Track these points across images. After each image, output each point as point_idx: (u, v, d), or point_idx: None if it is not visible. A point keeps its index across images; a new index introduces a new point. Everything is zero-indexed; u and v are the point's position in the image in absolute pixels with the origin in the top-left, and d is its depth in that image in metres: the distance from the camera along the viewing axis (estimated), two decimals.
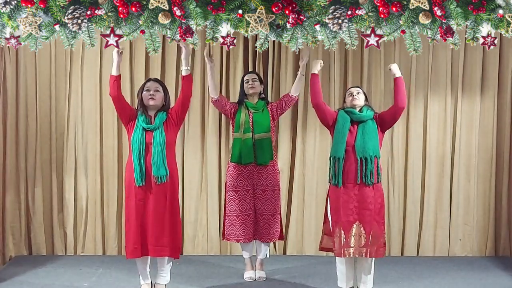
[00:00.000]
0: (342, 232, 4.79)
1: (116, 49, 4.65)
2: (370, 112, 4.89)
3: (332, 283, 5.10)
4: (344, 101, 5.01)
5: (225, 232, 5.52)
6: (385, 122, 4.89)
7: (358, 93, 4.91)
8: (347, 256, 4.80)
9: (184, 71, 4.87)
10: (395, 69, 4.88)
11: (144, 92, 4.90)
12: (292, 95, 5.47)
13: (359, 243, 4.78)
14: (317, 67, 4.94)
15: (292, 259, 6.25)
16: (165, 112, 4.90)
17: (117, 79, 4.81)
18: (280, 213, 5.58)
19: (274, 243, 6.31)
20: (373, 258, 4.89)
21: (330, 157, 4.89)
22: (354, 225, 4.79)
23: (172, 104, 5.04)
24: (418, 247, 6.48)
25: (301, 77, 5.43)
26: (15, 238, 6.25)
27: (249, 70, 6.11)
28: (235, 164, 5.45)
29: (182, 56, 4.85)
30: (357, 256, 4.82)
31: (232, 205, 5.47)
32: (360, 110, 4.88)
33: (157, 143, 4.80)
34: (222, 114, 6.23)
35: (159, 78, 5.75)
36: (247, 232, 5.46)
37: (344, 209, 4.80)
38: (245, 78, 5.52)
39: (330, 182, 4.90)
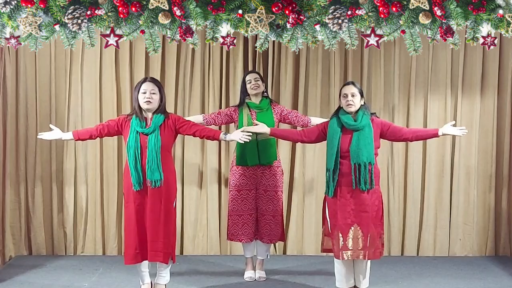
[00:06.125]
0: (340, 235, 4.79)
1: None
2: (366, 117, 4.80)
3: (332, 283, 5.10)
4: (340, 99, 4.89)
5: (229, 232, 5.52)
6: (385, 137, 4.91)
7: (353, 96, 4.79)
8: (345, 258, 4.80)
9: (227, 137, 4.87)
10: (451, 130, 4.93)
11: (140, 95, 4.80)
12: (308, 123, 5.49)
13: (357, 245, 4.77)
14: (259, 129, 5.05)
15: (292, 259, 6.25)
16: (162, 115, 4.83)
17: (83, 138, 4.98)
18: (282, 215, 5.57)
19: (274, 243, 6.30)
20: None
21: (326, 169, 4.90)
22: (352, 228, 4.78)
23: (172, 103, 4.99)
24: (418, 247, 6.48)
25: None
26: (15, 238, 6.24)
27: (250, 70, 6.08)
28: (239, 165, 5.44)
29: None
30: (355, 258, 4.81)
31: (234, 204, 5.46)
32: (355, 117, 4.80)
33: (152, 147, 4.73)
34: None
35: (159, 78, 5.75)
36: (248, 232, 5.46)
37: (342, 212, 4.79)
38: (247, 78, 5.45)
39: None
